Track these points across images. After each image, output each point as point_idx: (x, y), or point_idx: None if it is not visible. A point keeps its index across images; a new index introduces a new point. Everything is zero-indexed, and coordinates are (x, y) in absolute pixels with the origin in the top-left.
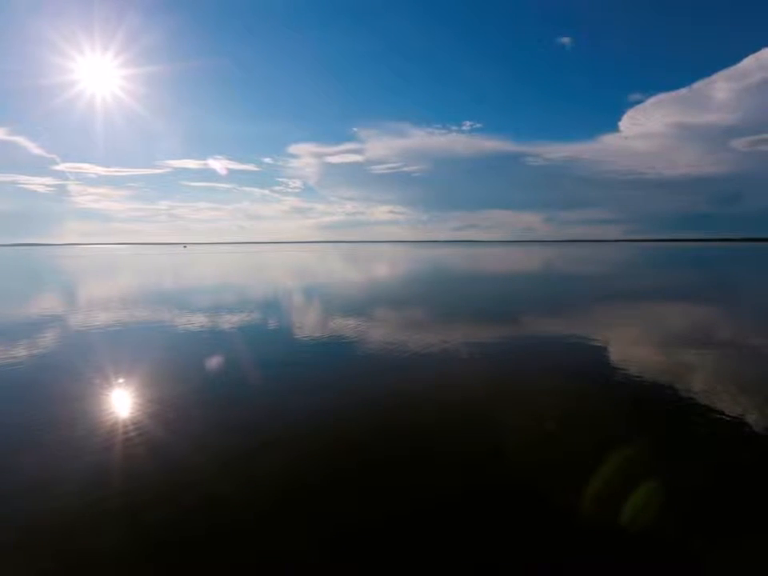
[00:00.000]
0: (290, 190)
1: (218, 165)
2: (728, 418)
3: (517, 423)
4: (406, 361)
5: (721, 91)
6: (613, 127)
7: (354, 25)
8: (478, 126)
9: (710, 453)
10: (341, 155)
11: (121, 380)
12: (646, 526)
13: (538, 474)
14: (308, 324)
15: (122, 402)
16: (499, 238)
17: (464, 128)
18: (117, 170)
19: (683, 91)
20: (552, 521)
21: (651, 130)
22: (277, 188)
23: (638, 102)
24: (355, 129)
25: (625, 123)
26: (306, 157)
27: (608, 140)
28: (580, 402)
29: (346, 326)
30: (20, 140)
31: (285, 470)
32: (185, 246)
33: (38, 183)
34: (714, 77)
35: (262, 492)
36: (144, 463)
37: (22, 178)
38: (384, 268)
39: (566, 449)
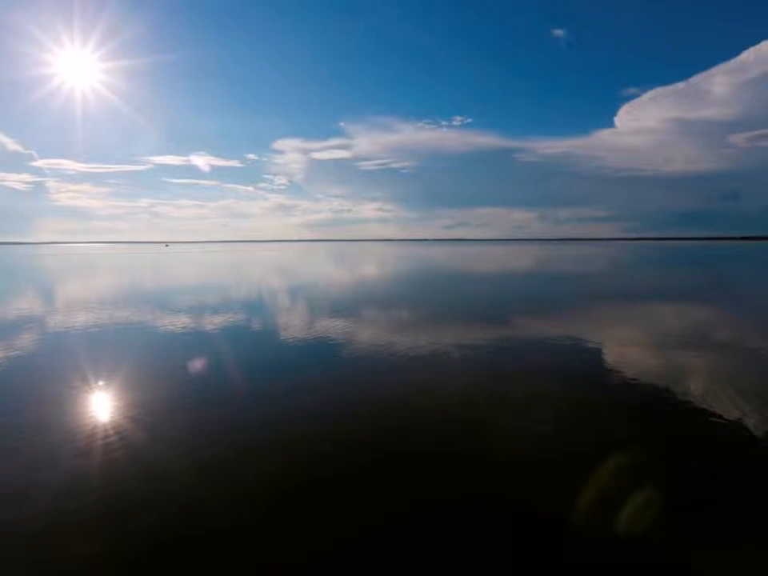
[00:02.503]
0: (275, 186)
1: (201, 161)
2: (727, 422)
3: (513, 426)
4: (397, 363)
5: (719, 85)
6: (608, 122)
7: (341, 17)
8: (469, 120)
9: (709, 457)
10: (327, 151)
11: (101, 383)
12: (644, 532)
13: (535, 478)
14: (295, 325)
15: (102, 406)
16: (491, 237)
17: (454, 123)
18: (96, 166)
19: (680, 85)
20: (549, 525)
21: (647, 126)
22: (261, 185)
23: (634, 97)
24: (342, 124)
25: (620, 118)
26: (291, 152)
27: (603, 135)
28: (576, 405)
29: (333, 327)
30: None
31: (270, 475)
32: (167, 245)
33: (14, 180)
34: (713, 70)
35: (246, 498)
36: (125, 469)
37: None
38: (372, 268)
39: (563, 452)
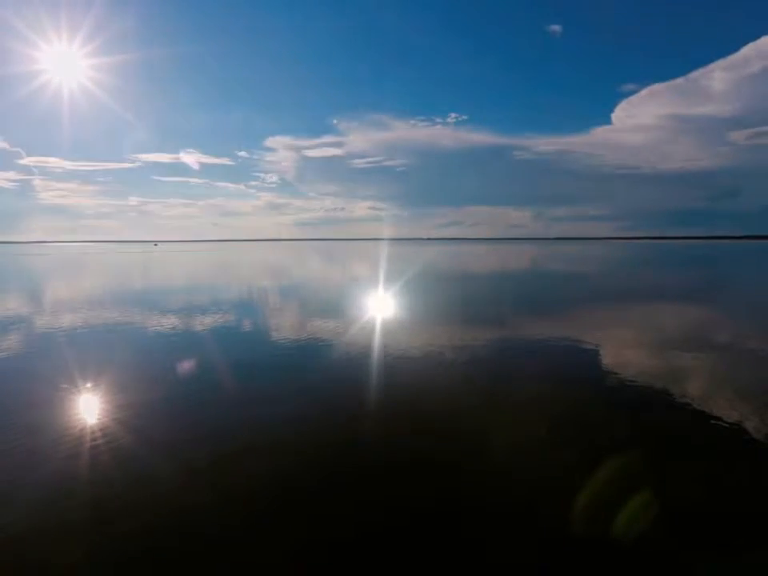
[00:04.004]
0: (266, 185)
1: (191, 159)
2: (726, 425)
3: (510, 428)
4: (388, 365)
5: (719, 81)
6: (605, 119)
7: (333, 12)
8: (464, 117)
9: (708, 461)
10: (319, 148)
11: (88, 385)
12: (640, 541)
13: (533, 480)
14: (285, 326)
15: (89, 408)
16: (485, 236)
17: (449, 120)
18: (84, 164)
19: (679, 81)
20: (547, 527)
21: (645, 122)
22: (252, 183)
23: (632, 93)
24: (335, 121)
25: (618, 115)
26: (283, 150)
27: (600, 133)
28: (575, 407)
29: (325, 328)
30: None
31: (259, 479)
32: (156, 244)
33: (1, 179)
34: (712, 66)
35: (235, 502)
36: (112, 472)
37: None
38: (365, 267)
39: (561, 455)
